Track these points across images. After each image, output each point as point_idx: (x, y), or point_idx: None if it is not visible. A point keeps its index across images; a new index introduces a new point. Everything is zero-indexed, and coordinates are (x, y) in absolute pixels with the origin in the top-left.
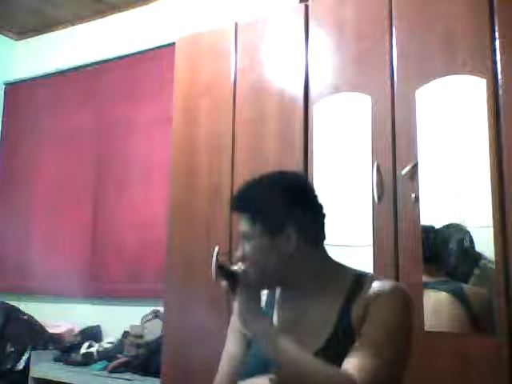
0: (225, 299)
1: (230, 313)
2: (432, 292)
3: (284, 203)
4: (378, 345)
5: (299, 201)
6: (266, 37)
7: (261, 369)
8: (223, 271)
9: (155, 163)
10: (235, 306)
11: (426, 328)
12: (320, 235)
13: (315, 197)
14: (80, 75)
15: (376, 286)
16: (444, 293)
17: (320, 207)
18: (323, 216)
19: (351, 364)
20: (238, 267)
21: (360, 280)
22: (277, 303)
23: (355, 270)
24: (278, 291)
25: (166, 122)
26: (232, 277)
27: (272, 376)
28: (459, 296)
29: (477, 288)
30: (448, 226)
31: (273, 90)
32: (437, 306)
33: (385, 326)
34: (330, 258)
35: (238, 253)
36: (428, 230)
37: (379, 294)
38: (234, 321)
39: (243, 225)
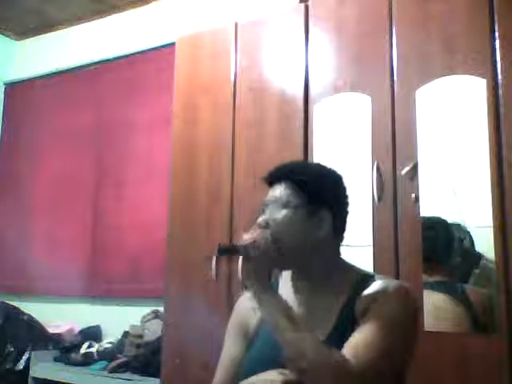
0: (225, 299)
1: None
2: (432, 292)
3: (328, 189)
4: (376, 336)
5: (339, 194)
6: (265, 37)
7: (265, 364)
8: (223, 250)
9: (155, 163)
10: (242, 275)
11: (426, 328)
12: (343, 232)
13: (347, 199)
14: (80, 75)
15: (381, 284)
16: (444, 293)
17: (348, 210)
18: (347, 216)
19: (348, 349)
20: (249, 237)
21: (366, 279)
22: (291, 287)
23: (362, 270)
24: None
25: (166, 122)
26: (233, 251)
27: (283, 370)
28: (459, 296)
29: (477, 288)
30: None
31: (273, 90)
32: (437, 305)
33: (386, 320)
34: (341, 256)
35: (260, 219)
36: (429, 229)
37: (383, 292)
38: (233, 320)
39: (281, 192)
